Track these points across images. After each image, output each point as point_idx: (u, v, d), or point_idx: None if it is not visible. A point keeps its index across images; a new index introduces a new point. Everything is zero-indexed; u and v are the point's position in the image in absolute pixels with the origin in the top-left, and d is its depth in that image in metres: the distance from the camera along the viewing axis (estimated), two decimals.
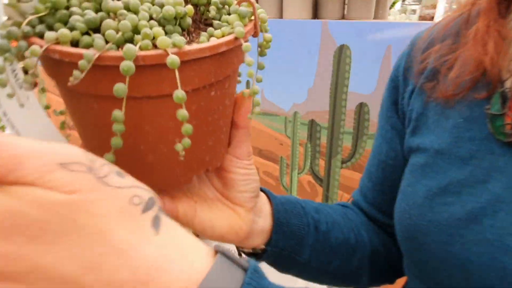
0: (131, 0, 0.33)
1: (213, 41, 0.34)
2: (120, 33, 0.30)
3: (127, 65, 0.28)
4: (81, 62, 0.28)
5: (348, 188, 0.95)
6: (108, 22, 0.31)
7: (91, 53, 0.28)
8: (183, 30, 0.37)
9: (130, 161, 0.37)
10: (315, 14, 0.93)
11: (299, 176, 1.03)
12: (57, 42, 0.30)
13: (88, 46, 0.31)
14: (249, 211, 0.46)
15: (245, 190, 0.45)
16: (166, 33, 0.34)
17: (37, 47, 0.29)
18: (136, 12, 0.33)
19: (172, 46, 0.30)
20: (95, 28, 0.32)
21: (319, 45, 0.85)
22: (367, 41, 0.84)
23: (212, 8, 0.40)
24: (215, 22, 0.39)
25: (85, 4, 0.33)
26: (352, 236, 0.56)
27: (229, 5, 0.41)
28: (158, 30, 0.31)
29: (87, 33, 0.32)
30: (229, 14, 0.41)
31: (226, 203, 0.45)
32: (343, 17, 0.97)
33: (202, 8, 0.40)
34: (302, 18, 0.95)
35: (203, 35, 0.36)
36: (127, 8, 0.33)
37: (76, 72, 0.28)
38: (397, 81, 0.55)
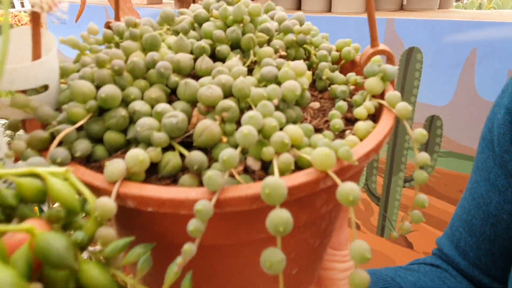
0: (234, 81, 0.19)
1: (376, 134, 0.20)
2: (238, 149, 0.16)
3: (282, 223, 0.15)
4: (192, 228, 0.14)
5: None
6: (209, 128, 0.17)
7: (207, 207, 0.14)
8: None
9: None
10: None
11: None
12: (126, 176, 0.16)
13: (176, 170, 0.18)
14: None
15: None
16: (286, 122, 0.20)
17: (110, 203, 0.15)
18: (245, 100, 0.19)
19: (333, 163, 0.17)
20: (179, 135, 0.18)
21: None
22: (444, 43, 0.69)
23: (326, 66, 0.25)
24: (336, 87, 0.25)
25: (151, 92, 0.19)
26: None
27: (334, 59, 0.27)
28: (297, 132, 0.18)
29: (168, 147, 0.18)
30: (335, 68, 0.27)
31: None
32: (401, 8, 0.81)
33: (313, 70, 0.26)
34: (352, 12, 0.79)
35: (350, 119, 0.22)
36: (228, 93, 0.19)
37: (187, 250, 0.14)
38: None
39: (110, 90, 0.18)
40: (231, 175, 0.17)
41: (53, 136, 0.18)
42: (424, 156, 0.20)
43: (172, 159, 0.17)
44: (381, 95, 0.23)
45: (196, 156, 0.17)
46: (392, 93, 0.21)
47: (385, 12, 0.80)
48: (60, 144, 0.18)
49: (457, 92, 0.69)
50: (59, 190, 0.14)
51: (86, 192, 0.15)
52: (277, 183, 0.15)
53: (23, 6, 2.42)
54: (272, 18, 0.27)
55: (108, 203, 0.15)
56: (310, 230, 0.22)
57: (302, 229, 0.21)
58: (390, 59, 0.24)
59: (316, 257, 0.26)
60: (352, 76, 0.25)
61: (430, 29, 0.70)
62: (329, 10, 0.83)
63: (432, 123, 0.73)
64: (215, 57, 0.23)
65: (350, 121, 0.24)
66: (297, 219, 0.19)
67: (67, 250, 0.13)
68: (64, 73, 0.21)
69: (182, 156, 0.18)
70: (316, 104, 0.25)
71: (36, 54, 0.19)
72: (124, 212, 0.17)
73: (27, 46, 0.19)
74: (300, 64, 0.20)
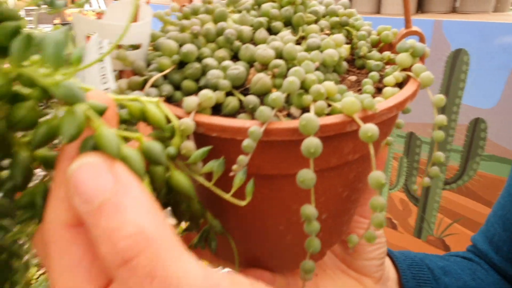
0: (285, 46, 0.24)
1: (399, 95, 0.24)
2: (284, 95, 0.21)
3: (313, 146, 0.19)
4: (246, 143, 0.19)
5: (450, 212, 0.82)
6: (262, 79, 0.22)
7: (258, 130, 0.19)
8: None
9: (267, 242, 0.29)
10: (418, 8, 0.79)
11: (390, 192, 0.91)
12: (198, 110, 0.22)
13: (234, 111, 0.23)
14: (377, 282, 0.39)
15: (373, 257, 0.38)
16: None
17: (189, 123, 0.20)
18: (292, 61, 0.24)
19: (360, 110, 0.21)
20: (239, 85, 0.23)
21: (429, 48, 0.71)
22: (493, 46, 0.70)
23: (364, 44, 0.29)
24: (371, 62, 0.29)
25: (220, 52, 0.25)
26: None
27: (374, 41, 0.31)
28: (331, 86, 0.22)
29: (229, 93, 0.23)
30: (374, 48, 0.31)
31: (350, 274, 0.39)
32: (453, 11, 0.82)
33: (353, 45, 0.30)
34: (401, 13, 0.82)
35: (380, 85, 0.26)
36: (279, 55, 0.24)
37: (241, 159, 0.19)
38: None
39: (190, 47, 0.23)
40: (277, 116, 0.22)
41: (145, 81, 0.24)
42: (441, 118, 0.24)
43: (232, 101, 0.23)
44: (410, 69, 0.27)
45: (251, 98, 0.22)
46: (418, 65, 0.25)
47: (435, 14, 0.81)
48: (151, 86, 0.24)
49: (504, 95, 0.70)
50: (153, 112, 0.20)
51: (171, 115, 0.20)
52: (312, 117, 0.20)
53: None
54: (320, 3, 0.31)
55: (189, 122, 0.20)
56: (338, 177, 0.26)
57: (332, 174, 0.26)
58: (421, 39, 0.28)
59: (344, 209, 0.30)
60: (386, 53, 0.29)
61: (480, 31, 0.70)
62: (378, 11, 0.86)
63: (476, 126, 0.74)
64: (270, 31, 0.28)
65: (380, 90, 0.28)
66: (326, 160, 0.23)
67: (162, 152, 0.18)
68: (153, 38, 0.27)
69: (239, 103, 0.23)
70: (353, 77, 0.30)
71: (135, 19, 0.25)
72: (195, 139, 0.22)
73: (127, 15, 0.25)
74: (340, 36, 0.25)
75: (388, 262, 0.42)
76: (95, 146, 0.16)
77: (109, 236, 0.15)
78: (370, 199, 0.36)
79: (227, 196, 0.21)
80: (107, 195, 0.15)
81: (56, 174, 0.17)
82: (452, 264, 0.50)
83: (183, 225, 0.25)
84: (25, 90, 0.17)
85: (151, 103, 0.20)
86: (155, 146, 0.18)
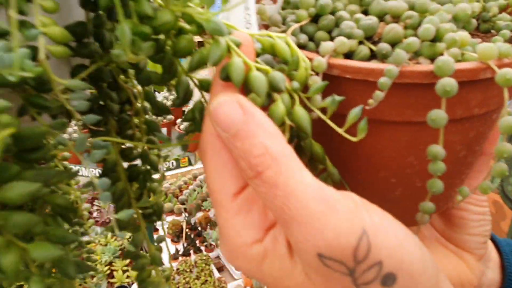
0: None
1: None
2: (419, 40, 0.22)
3: (449, 84, 0.20)
4: (382, 80, 0.21)
5: None
6: (395, 28, 0.24)
7: (395, 69, 0.21)
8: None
9: (376, 195, 0.30)
10: None
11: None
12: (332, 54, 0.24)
13: (365, 58, 0.25)
14: (479, 259, 0.38)
15: (478, 233, 0.37)
16: None
17: (322, 60, 0.23)
18: (424, 13, 0.25)
19: (497, 57, 0.22)
20: (369, 36, 0.25)
21: None
22: None
23: (494, 4, 0.29)
24: (501, 22, 0.28)
25: (351, 6, 0.27)
26: None
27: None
28: (465, 35, 0.23)
29: (360, 43, 0.25)
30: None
31: (450, 248, 0.38)
32: None
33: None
34: None
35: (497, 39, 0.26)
36: (412, 8, 0.25)
37: (377, 93, 0.21)
38: None
39: (326, 0, 0.26)
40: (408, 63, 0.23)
41: (282, 32, 0.27)
42: None
43: (364, 49, 0.25)
44: None
45: (384, 45, 0.24)
46: None
47: None
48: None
49: None
50: (280, 45, 0.23)
51: (297, 50, 0.23)
52: (448, 59, 0.21)
53: None
54: None
55: (322, 60, 0.22)
56: (459, 133, 0.27)
57: (454, 129, 0.26)
58: None
59: (457, 171, 0.30)
60: None
61: None
62: None
63: None
64: None
65: None
66: (452, 110, 0.24)
67: (283, 80, 0.21)
68: None
69: (370, 51, 0.25)
70: (478, 40, 0.29)
71: None
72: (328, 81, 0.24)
73: None
74: None
75: (490, 244, 0.41)
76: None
77: (244, 155, 0.20)
78: (480, 173, 0.35)
79: (340, 130, 0.23)
80: (239, 125, 0.20)
81: (211, 94, 0.22)
82: None
83: None
84: (186, 26, 0.21)
85: (280, 37, 0.23)
86: (277, 75, 0.21)
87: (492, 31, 0.30)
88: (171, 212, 1.87)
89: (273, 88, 0.21)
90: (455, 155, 0.29)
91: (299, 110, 0.22)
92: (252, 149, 0.20)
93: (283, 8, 0.31)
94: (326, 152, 0.30)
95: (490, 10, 0.29)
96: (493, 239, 0.42)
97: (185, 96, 0.24)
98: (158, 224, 0.33)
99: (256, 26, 0.25)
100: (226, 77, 0.21)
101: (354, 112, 0.22)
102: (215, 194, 0.22)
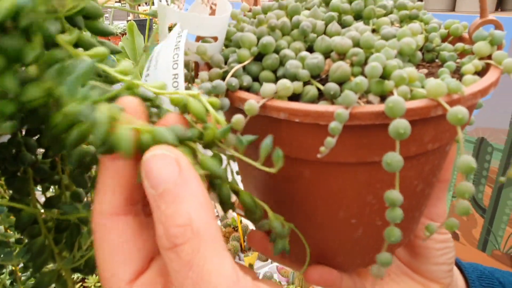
0: (362, 35, 0.24)
1: (482, 81, 0.23)
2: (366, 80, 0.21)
3: (403, 127, 0.19)
4: (333, 125, 0.20)
5: None
6: (342, 66, 0.23)
7: (345, 112, 0.20)
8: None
9: (337, 236, 0.29)
10: (498, 5, 0.76)
11: (454, 199, 0.87)
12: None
13: (313, 99, 0.23)
14: None
15: (442, 262, 0.36)
16: None
17: (254, 103, 0.21)
18: (369, 50, 0.24)
19: (445, 94, 0.21)
20: (316, 74, 0.24)
21: (509, 47, 0.68)
22: None
23: (436, 36, 0.29)
24: (445, 53, 0.28)
25: (295, 44, 0.25)
26: None
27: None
28: (412, 71, 0.22)
29: (306, 84, 0.24)
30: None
31: (417, 279, 0.38)
32: None
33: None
34: (477, 11, 0.79)
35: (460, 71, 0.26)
36: (357, 44, 0.24)
37: (329, 140, 0.20)
38: None
39: (269, 39, 0.24)
40: (358, 103, 0.22)
41: (224, 73, 0.25)
42: None
43: (311, 90, 0.23)
44: (488, 58, 0.27)
45: (332, 85, 0.22)
46: (499, 52, 0.25)
47: None
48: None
49: None
50: (194, 106, 0.20)
51: (207, 105, 0.21)
52: (399, 99, 0.20)
53: None
54: None
55: (253, 102, 0.21)
56: (415, 169, 0.26)
57: (409, 165, 0.25)
58: (499, 28, 0.27)
59: (416, 204, 0.29)
60: (460, 44, 0.28)
61: None
62: (453, 9, 0.84)
63: None
64: (341, 25, 0.29)
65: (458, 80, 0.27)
66: (406, 148, 0.23)
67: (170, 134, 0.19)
68: (228, 35, 0.28)
69: (318, 91, 0.24)
70: (424, 70, 0.29)
71: (213, 13, 0.26)
72: (269, 125, 0.23)
73: (207, 11, 0.27)
74: (416, 26, 0.25)
75: (456, 271, 0.41)
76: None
77: (165, 221, 0.17)
78: (439, 200, 0.35)
79: (257, 164, 0.21)
80: (170, 185, 0.17)
81: (100, 168, 0.19)
82: None
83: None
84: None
85: (192, 96, 0.21)
86: (163, 132, 0.19)
87: (436, 60, 0.30)
88: None
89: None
90: (412, 189, 0.28)
91: (205, 159, 0.20)
92: (175, 216, 0.17)
93: (225, 46, 0.30)
94: (283, 196, 0.28)
95: (433, 41, 0.29)
96: (458, 265, 0.42)
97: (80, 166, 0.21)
98: None
99: (183, 68, 0.23)
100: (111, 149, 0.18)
101: (265, 144, 0.21)
102: (104, 283, 0.19)
